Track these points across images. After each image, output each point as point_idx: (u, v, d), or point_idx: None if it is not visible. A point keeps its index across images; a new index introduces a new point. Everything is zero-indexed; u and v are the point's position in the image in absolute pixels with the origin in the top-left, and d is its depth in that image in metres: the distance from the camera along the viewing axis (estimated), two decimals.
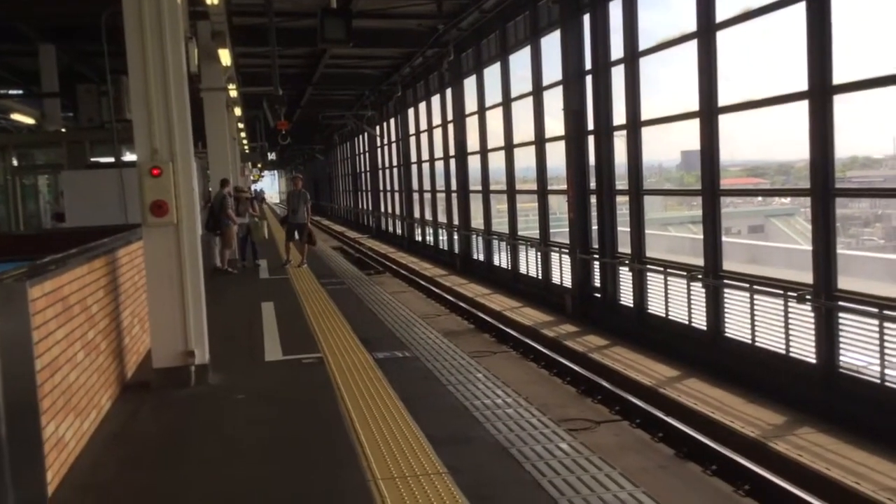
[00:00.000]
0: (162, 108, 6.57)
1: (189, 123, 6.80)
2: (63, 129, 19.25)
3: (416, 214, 30.84)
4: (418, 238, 30.75)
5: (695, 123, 11.80)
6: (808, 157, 9.44)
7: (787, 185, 23.88)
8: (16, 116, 21.44)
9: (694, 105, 11.58)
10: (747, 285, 10.65)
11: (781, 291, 9.96)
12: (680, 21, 16.58)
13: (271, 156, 52.88)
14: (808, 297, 9.38)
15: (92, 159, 16.61)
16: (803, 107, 9.68)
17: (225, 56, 15.13)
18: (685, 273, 12.03)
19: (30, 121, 21.81)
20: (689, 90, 11.66)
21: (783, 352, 9.95)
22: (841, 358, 9.12)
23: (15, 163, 17.98)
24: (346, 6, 10.33)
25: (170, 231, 6.72)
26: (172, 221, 6.69)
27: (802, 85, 9.44)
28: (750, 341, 10.58)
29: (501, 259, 20.90)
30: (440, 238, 27.37)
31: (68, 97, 18.83)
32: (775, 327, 10.14)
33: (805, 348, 9.61)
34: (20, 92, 23.81)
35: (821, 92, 9.07)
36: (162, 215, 6.66)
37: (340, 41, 7.32)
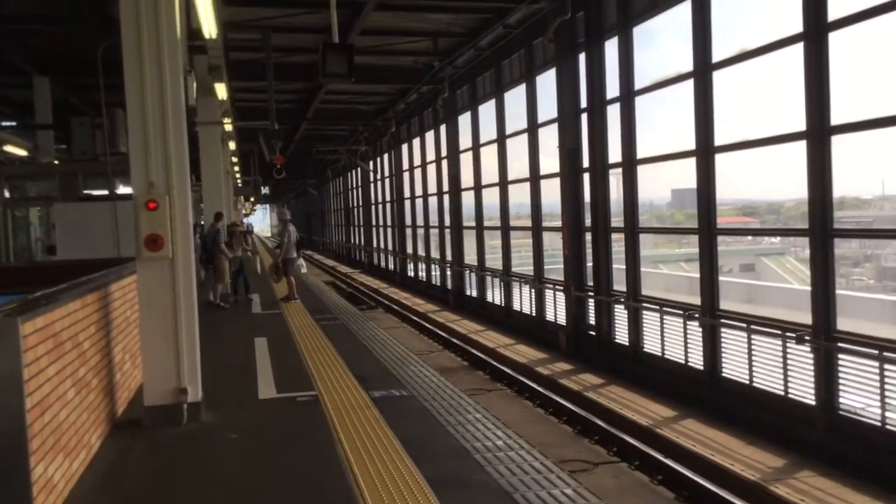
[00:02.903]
0: (159, 142, 6.48)
1: (186, 157, 6.71)
2: (56, 161, 19.15)
3: (409, 250, 30.77)
4: (411, 273, 30.66)
5: (685, 162, 11.89)
6: (797, 196, 9.46)
7: (778, 224, 23.95)
8: (8, 148, 21.38)
9: (685, 143, 11.63)
10: (745, 325, 10.58)
11: (780, 332, 9.89)
12: (670, 60, 16.77)
13: (265, 190, 52.80)
14: (807, 337, 9.31)
15: (85, 192, 16.51)
16: (794, 147, 9.75)
17: (221, 90, 15.15)
18: (681, 312, 11.96)
19: (22, 152, 21.75)
20: (681, 128, 11.74)
21: (782, 393, 9.86)
22: (841, 400, 9.03)
23: (7, 194, 17.85)
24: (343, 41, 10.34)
25: (164, 265, 6.60)
26: (168, 256, 6.57)
27: (796, 125, 9.47)
28: (748, 382, 10.49)
29: (495, 295, 20.82)
30: (433, 273, 27.29)
31: (62, 129, 18.76)
32: (773, 368, 10.05)
33: (804, 389, 9.53)
34: (13, 123, 23.75)
35: (819, 132, 9.08)
36: (157, 249, 6.54)
37: (342, 76, 7.29)
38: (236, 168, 33.50)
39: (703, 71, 11.11)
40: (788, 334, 9.69)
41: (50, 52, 17.30)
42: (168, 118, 6.49)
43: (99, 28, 13.98)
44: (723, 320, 11.07)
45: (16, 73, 18.56)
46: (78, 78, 19.03)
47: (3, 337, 4.09)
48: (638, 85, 13.09)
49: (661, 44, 14.88)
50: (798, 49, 9.30)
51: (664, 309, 12.54)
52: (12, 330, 4.13)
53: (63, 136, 19.45)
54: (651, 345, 12.94)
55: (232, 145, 24.35)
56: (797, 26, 9.28)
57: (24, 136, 22.28)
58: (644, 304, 13.10)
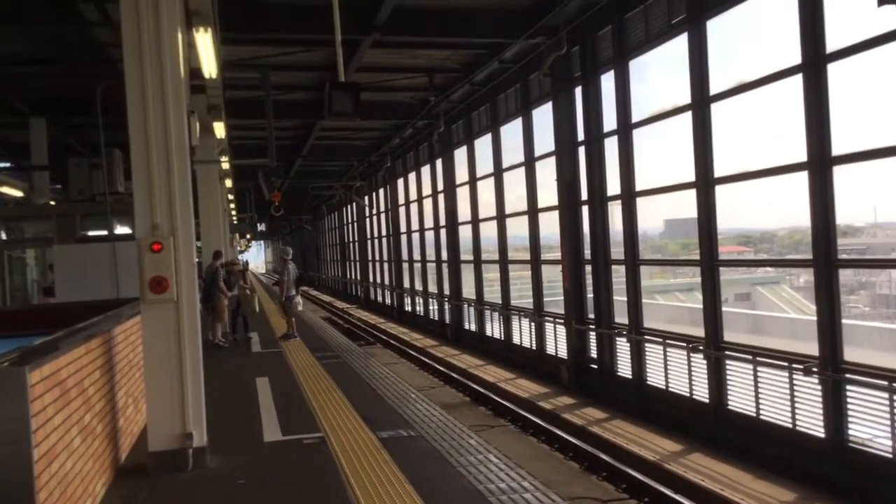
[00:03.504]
0: (164, 183, 6.42)
1: (190, 198, 6.65)
2: (53, 202, 19.10)
3: (406, 284, 30.67)
4: (408, 308, 30.53)
5: (679, 193, 11.93)
6: (789, 225, 9.48)
7: (771, 252, 23.88)
8: (3, 189, 21.31)
9: (679, 175, 11.65)
10: (750, 357, 10.50)
11: (786, 363, 9.82)
12: (662, 93, 16.89)
13: (261, 226, 52.77)
14: (814, 369, 9.23)
15: (83, 232, 16.44)
16: (788, 177, 9.78)
17: (220, 129, 15.15)
18: (685, 344, 11.88)
19: (18, 193, 21.68)
20: (674, 159, 11.78)
21: (790, 425, 9.76)
22: (850, 432, 8.94)
23: (3, 236, 17.74)
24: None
25: (169, 308, 6.50)
26: (172, 298, 6.48)
27: (795, 156, 9.50)
28: (755, 414, 10.39)
29: (494, 329, 20.71)
30: (430, 308, 27.17)
31: (57, 170, 18.72)
32: (780, 400, 9.97)
33: (812, 421, 9.44)
34: (8, 165, 23.71)
35: (820, 163, 9.08)
36: (161, 292, 6.45)
37: (348, 114, 7.26)
38: (232, 205, 33.49)
39: (700, 103, 11.15)
40: (795, 366, 9.61)
41: (46, 93, 17.32)
42: (172, 159, 6.44)
43: (97, 69, 14.04)
44: (727, 352, 10.99)
45: (12, 114, 18.59)
46: (73, 118, 19.07)
47: (11, 387, 3.99)
48: (634, 118, 13.14)
49: (653, 77, 14.95)
50: (797, 80, 9.35)
51: (667, 341, 12.46)
52: (20, 379, 4.04)
53: (59, 176, 19.42)
54: (655, 378, 12.83)
55: (228, 183, 24.35)
56: (796, 58, 9.32)
57: (19, 177, 22.23)
58: (646, 337, 13.02)
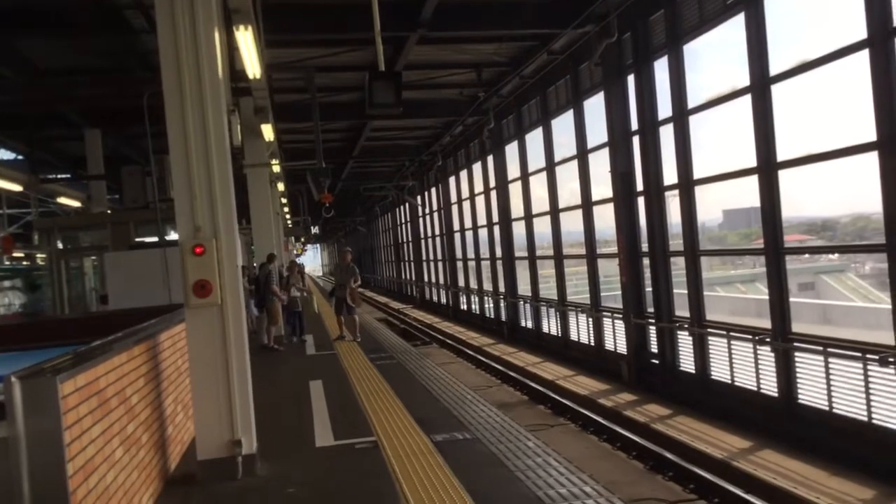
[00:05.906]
0: (205, 184, 6.25)
1: (233, 199, 6.46)
2: (108, 211, 19.35)
3: (461, 283, 30.46)
4: (463, 306, 30.31)
5: (736, 181, 11.52)
6: (852, 212, 9.05)
7: (835, 240, 23.04)
8: (63, 200, 21.74)
9: (739, 162, 11.21)
10: (820, 348, 10.00)
11: (859, 354, 9.31)
12: (715, 81, 16.34)
13: (314, 229, 53.09)
14: (890, 359, 8.73)
15: (136, 239, 16.57)
16: (850, 164, 9.35)
17: (268, 131, 15.08)
18: (751, 336, 11.40)
19: (76, 203, 22.11)
20: (732, 147, 11.33)
21: (865, 419, 9.26)
22: None
23: (60, 245, 18.02)
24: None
25: (214, 312, 6.33)
26: (216, 302, 6.31)
27: (860, 136, 9.02)
28: (827, 408, 9.89)
29: (550, 325, 20.36)
30: (486, 306, 26.91)
31: (113, 179, 18.97)
32: (855, 392, 9.46)
33: (890, 414, 8.93)
34: (67, 176, 24.20)
35: (892, 142, 8.57)
36: (205, 295, 6.28)
37: (390, 106, 6.96)
38: (286, 209, 33.64)
39: (761, 84, 10.67)
40: (869, 356, 9.11)
41: (100, 103, 17.53)
42: (213, 160, 6.26)
43: (145, 77, 14.10)
44: (796, 344, 10.50)
45: (68, 127, 18.90)
46: (127, 128, 19.30)
47: (41, 398, 3.82)
48: (689, 104, 12.69)
49: (704, 66, 14.44)
50: (863, 57, 8.84)
51: (731, 334, 11.99)
52: (50, 390, 3.85)
53: (115, 185, 19.69)
54: (719, 372, 12.38)
55: (280, 186, 24.39)
56: (861, 33, 8.82)
57: (78, 187, 22.67)
58: (709, 330, 12.56)
